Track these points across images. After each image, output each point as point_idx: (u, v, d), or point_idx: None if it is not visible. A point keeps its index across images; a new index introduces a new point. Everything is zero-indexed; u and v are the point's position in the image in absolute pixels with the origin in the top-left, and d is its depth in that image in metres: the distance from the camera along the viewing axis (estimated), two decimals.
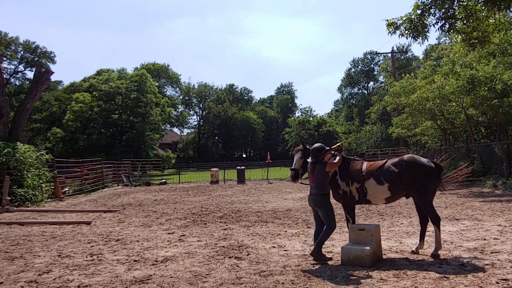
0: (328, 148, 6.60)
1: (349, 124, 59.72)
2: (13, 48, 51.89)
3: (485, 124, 20.61)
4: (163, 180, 28.55)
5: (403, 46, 50.30)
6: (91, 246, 7.78)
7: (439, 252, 6.23)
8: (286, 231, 8.78)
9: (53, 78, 39.93)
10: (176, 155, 56.67)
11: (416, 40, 6.42)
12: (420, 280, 5.07)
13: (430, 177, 6.25)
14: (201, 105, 71.74)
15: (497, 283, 4.88)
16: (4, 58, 48.42)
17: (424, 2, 6.11)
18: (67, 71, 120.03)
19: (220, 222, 10.39)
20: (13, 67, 53.11)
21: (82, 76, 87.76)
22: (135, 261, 6.53)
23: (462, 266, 5.66)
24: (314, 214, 6.56)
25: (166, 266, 6.19)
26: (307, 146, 6.75)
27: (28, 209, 14.32)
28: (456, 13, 6.19)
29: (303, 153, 6.66)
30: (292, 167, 6.69)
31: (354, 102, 66.07)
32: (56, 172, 19.08)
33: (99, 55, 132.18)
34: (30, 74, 52.31)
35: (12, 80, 53.78)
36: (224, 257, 6.58)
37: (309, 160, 6.51)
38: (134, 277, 5.63)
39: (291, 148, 54.43)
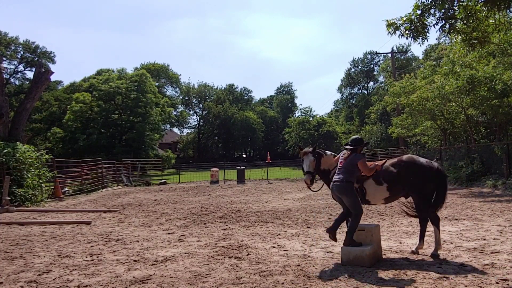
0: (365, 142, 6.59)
1: (349, 124, 59.78)
2: (13, 48, 51.98)
3: (485, 124, 20.61)
4: (163, 180, 28.54)
5: (403, 46, 50.42)
6: (91, 246, 7.78)
7: (439, 252, 6.24)
8: (286, 231, 8.78)
9: (53, 78, 40.05)
10: (176, 155, 56.67)
11: (416, 41, 6.40)
12: (420, 280, 5.07)
13: (429, 177, 6.26)
14: (201, 105, 71.75)
15: (497, 283, 4.88)
16: (4, 58, 48.46)
17: (424, 2, 6.09)
18: (67, 71, 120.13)
19: (220, 222, 10.38)
20: (13, 67, 53.27)
21: (82, 76, 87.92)
22: (135, 261, 6.53)
23: (462, 266, 5.66)
24: (338, 200, 6.32)
25: (166, 266, 6.18)
26: (319, 150, 6.68)
27: (28, 209, 14.32)
28: (456, 13, 6.18)
29: (314, 155, 6.55)
30: (306, 170, 6.50)
31: (354, 102, 66.16)
32: (56, 172, 19.09)
33: (99, 55, 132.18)
34: (30, 74, 52.48)
35: (12, 80, 53.85)
36: (224, 257, 6.58)
37: (346, 146, 6.35)
38: (134, 277, 5.63)
39: (291, 148, 54.43)
